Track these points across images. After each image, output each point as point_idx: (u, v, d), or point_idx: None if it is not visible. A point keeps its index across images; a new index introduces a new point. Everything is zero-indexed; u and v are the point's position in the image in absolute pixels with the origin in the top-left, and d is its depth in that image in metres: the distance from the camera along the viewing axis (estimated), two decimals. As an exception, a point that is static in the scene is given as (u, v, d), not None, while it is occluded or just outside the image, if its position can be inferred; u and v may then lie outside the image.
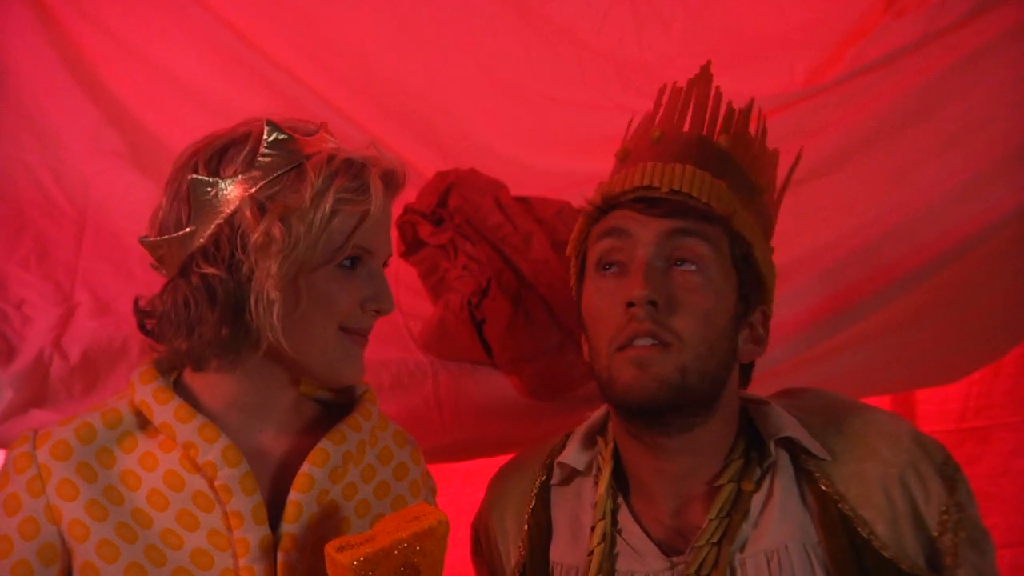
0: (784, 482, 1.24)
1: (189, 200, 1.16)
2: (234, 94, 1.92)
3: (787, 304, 1.72)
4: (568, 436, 1.39)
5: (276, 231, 1.13)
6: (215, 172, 1.17)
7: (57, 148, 1.85)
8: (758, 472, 1.26)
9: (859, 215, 1.78)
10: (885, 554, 1.18)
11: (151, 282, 1.73)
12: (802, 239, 1.76)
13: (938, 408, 2.01)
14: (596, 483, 1.33)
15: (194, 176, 1.16)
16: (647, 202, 1.24)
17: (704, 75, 1.36)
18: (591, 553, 1.29)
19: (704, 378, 1.22)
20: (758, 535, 1.22)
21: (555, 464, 1.36)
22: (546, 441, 1.43)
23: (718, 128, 1.31)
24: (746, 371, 1.34)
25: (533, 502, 1.38)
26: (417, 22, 2.02)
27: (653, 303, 1.19)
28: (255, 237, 1.13)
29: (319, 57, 1.99)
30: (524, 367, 1.69)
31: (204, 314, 1.16)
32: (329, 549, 1.10)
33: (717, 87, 1.34)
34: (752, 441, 1.28)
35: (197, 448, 1.17)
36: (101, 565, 1.13)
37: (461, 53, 2.03)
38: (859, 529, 1.19)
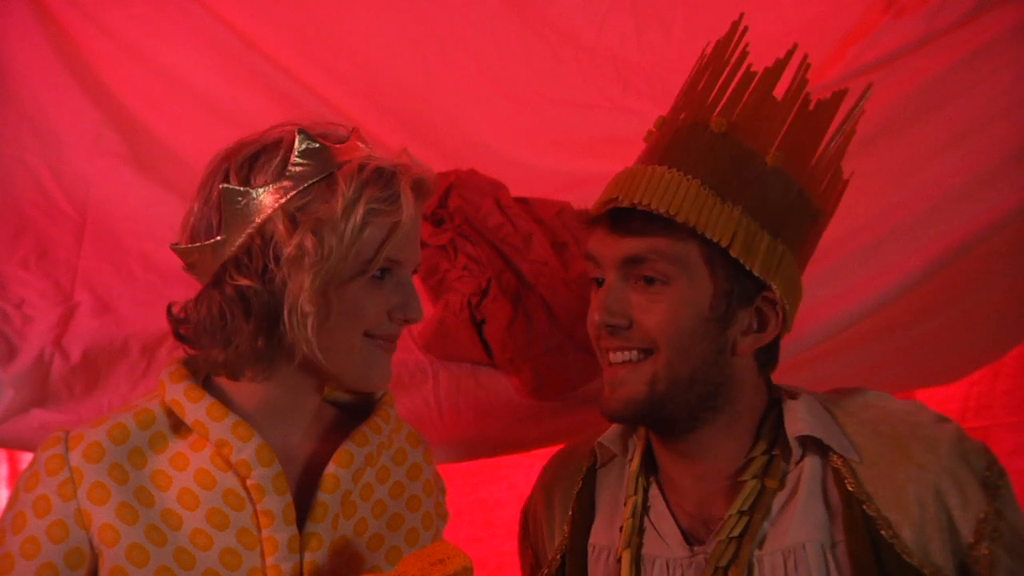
0: (809, 480, 1.24)
1: (220, 208, 1.16)
2: (234, 94, 1.92)
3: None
4: None
5: (308, 244, 1.13)
6: (246, 181, 1.17)
7: (57, 148, 1.85)
8: (783, 468, 1.26)
9: (859, 215, 1.78)
10: (907, 559, 1.17)
11: (151, 282, 1.75)
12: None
13: (938, 408, 1.98)
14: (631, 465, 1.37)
15: (225, 185, 1.16)
16: (616, 217, 1.26)
17: (723, 46, 1.34)
18: (621, 529, 1.32)
19: (676, 384, 1.24)
20: (777, 533, 1.23)
21: (596, 446, 1.39)
22: (600, 428, 1.44)
23: (719, 107, 1.29)
24: (770, 355, 1.33)
25: (580, 485, 1.41)
26: (417, 23, 2.02)
27: (612, 325, 1.25)
28: (288, 250, 1.13)
29: (319, 57, 1.99)
30: (524, 367, 1.69)
31: (239, 325, 1.16)
32: None
33: (744, 48, 1.32)
34: (780, 436, 1.28)
35: (230, 446, 1.17)
36: (131, 569, 1.13)
37: (461, 54, 2.02)
38: (882, 531, 1.18)
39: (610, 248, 1.27)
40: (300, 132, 1.16)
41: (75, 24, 1.89)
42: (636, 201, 1.23)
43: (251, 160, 1.18)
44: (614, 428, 1.39)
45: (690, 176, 1.23)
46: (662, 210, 1.22)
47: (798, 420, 1.25)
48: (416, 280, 1.85)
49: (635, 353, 1.25)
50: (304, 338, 1.15)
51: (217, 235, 1.16)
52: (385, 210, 1.16)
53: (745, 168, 1.26)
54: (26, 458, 2.15)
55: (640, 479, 1.34)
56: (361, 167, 1.16)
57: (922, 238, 1.73)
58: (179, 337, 1.23)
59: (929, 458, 1.21)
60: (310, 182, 1.15)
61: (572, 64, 2.04)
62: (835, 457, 1.24)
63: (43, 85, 1.85)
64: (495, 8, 2.02)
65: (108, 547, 1.13)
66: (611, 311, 1.25)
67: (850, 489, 1.21)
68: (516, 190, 1.83)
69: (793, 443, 1.25)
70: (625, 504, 1.34)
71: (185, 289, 1.72)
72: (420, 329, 1.77)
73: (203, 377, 1.25)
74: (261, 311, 1.15)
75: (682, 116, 1.31)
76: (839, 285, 1.73)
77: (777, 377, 1.49)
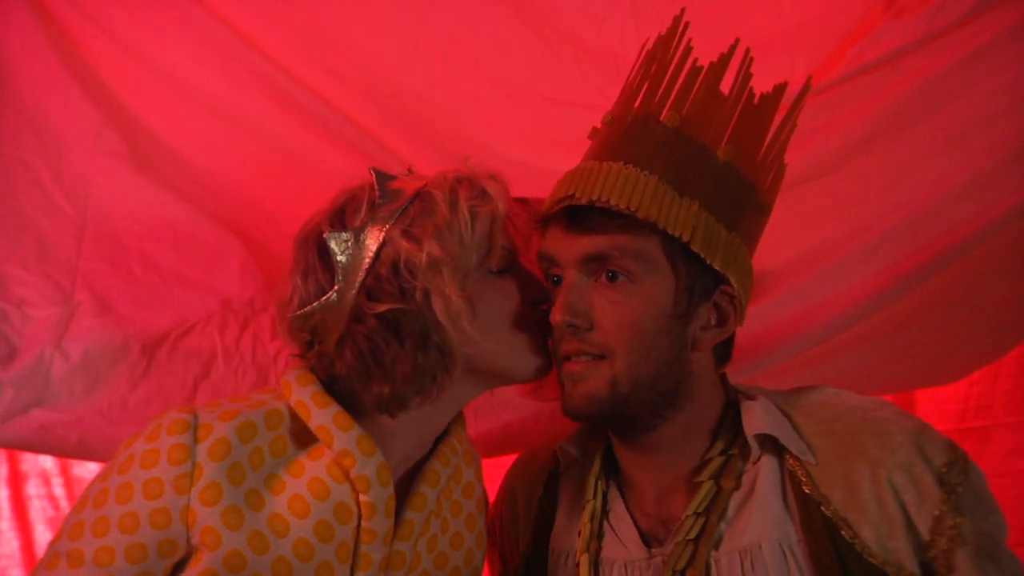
0: (766, 481, 1.23)
1: (324, 264, 1.19)
2: (234, 94, 1.91)
3: (787, 304, 1.73)
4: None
5: (436, 249, 1.16)
6: (343, 228, 1.20)
7: (57, 148, 1.84)
8: (740, 468, 1.25)
9: (859, 215, 1.78)
10: (868, 558, 1.15)
11: (151, 282, 1.75)
12: (802, 239, 1.76)
13: (938, 408, 2.01)
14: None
15: (330, 233, 1.18)
16: (573, 215, 1.25)
17: (667, 39, 1.34)
18: (580, 533, 1.31)
19: (639, 384, 1.23)
20: (734, 533, 1.21)
21: (558, 449, 1.38)
22: (563, 433, 1.44)
23: (669, 102, 1.28)
24: (726, 350, 1.33)
25: (542, 490, 1.40)
26: (417, 23, 2.01)
27: (574, 325, 1.23)
28: (422, 259, 1.16)
29: (319, 57, 1.99)
30: (524, 367, 1.69)
31: (395, 351, 1.17)
32: None
33: (687, 44, 1.32)
34: (737, 437, 1.27)
35: (353, 459, 1.17)
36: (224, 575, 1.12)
37: (461, 54, 2.02)
38: (842, 532, 1.17)
39: (569, 246, 1.25)
40: (375, 170, 1.22)
41: (75, 24, 1.88)
42: (595, 197, 1.22)
43: (340, 214, 1.21)
44: (576, 432, 1.39)
45: (647, 171, 1.22)
46: (622, 206, 1.21)
47: (756, 419, 1.25)
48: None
49: (591, 357, 1.25)
50: (464, 336, 1.17)
51: (333, 288, 1.17)
52: (481, 204, 1.22)
53: (699, 162, 1.25)
54: (27, 458, 2.15)
55: (599, 483, 1.33)
56: (444, 177, 1.22)
57: (922, 238, 1.73)
58: (324, 386, 1.23)
59: (883, 454, 1.19)
60: (404, 206, 1.19)
61: (572, 64, 2.04)
62: (791, 460, 1.22)
63: (43, 85, 1.85)
64: (495, 8, 2.01)
65: (208, 551, 1.12)
66: (574, 311, 1.24)
67: (807, 492, 1.20)
68: (516, 190, 1.82)
69: (751, 441, 1.24)
70: (584, 508, 1.33)
71: (185, 290, 1.73)
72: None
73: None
74: (412, 328, 1.17)
75: (632, 113, 1.30)
76: (839, 285, 1.73)
77: (777, 377, 1.49)
